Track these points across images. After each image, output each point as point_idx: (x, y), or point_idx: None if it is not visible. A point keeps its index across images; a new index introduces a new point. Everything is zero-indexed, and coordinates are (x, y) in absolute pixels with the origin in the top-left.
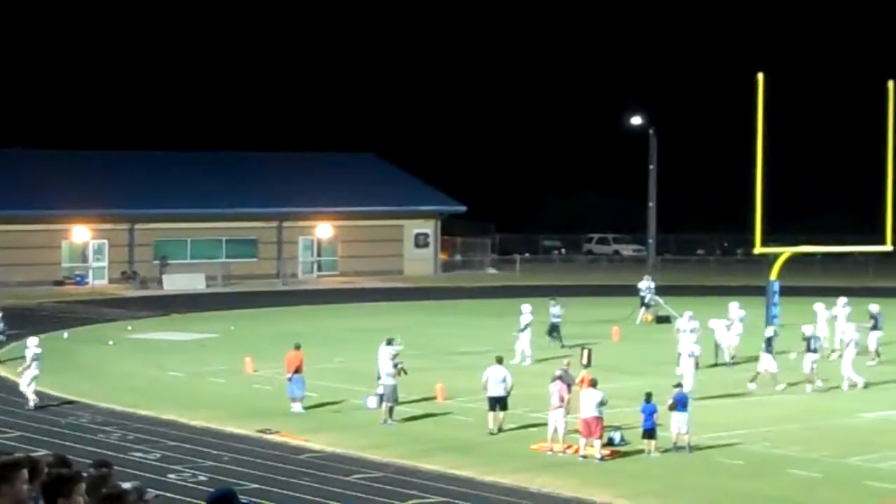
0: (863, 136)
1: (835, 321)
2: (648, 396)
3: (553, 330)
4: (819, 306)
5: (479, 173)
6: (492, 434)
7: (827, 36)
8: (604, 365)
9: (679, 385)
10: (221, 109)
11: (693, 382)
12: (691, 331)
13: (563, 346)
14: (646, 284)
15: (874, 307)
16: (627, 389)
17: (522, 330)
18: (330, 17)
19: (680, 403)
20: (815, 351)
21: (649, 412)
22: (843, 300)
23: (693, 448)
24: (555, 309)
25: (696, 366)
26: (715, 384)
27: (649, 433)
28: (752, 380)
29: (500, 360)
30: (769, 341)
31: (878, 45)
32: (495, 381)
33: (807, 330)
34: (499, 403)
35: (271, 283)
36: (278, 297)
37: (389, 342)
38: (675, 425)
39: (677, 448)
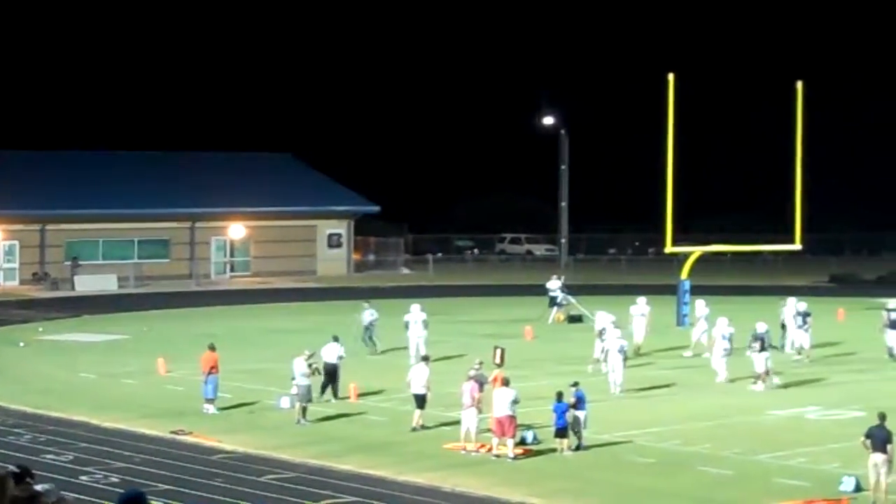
0: (772, 135)
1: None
2: (560, 395)
3: (366, 333)
4: (790, 306)
5: (393, 174)
6: (414, 430)
7: (737, 36)
8: (517, 364)
9: (576, 384)
10: (133, 109)
11: (623, 377)
12: (615, 326)
13: (376, 352)
14: (555, 284)
15: (801, 305)
16: (540, 389)
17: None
18: (244, 17)
19: (579, 401)
20: (765, 349)
21: (561, 411)
22: (791, 300)
23: (583, 446)
24: (367, 313)
25: (625, 360)
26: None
27: (561, 432)
28: (754, 382)
29: (425, 359)
30: (755, 339)
31: (787, 45)
32: (416, 379)
33: (760, 328)
34: (419, 401)
35: (184, 284)
36: (191, 298)
37: (336, 339)
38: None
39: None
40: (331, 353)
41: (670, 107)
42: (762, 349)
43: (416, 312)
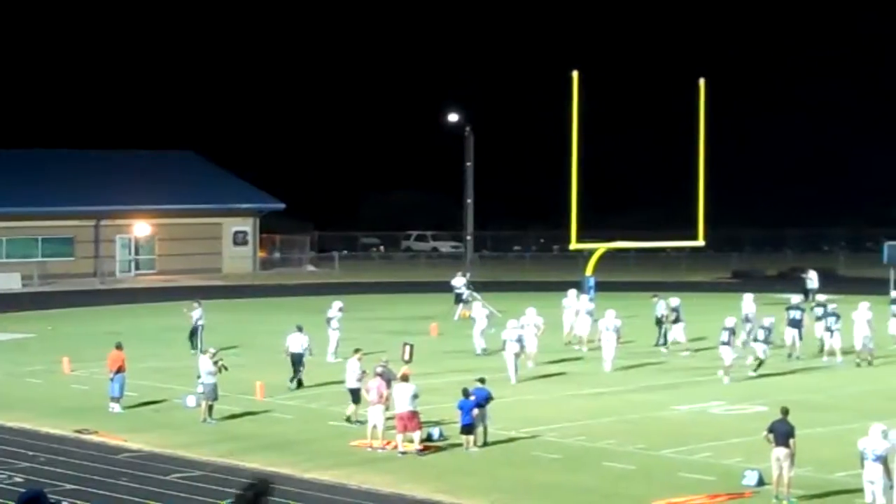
0: (675, 133)
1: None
2: (466, 392)
3: (193, 334)
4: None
5: (299, 171)
6: (349, 421)
7: (640, 33)
8: (423, 361)
9: (482, 380)
10: (36, 107)
11: (517, 366)
12: (522, 326)
13: (199, 352)
14: (461, 281)
15: (674, 300)
16: (447, 385)
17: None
18: (144, 15)
19: (482, 397)
20: (728, 344)
21: (467, 408)
22: (749, 296)
23: (485, 444)
24: (196, 312)
25: (518, 355)
26: (531, 380)
27: (467, 428)
28: (754, 369)
29: (356, 351)
30: (730, 333)
31: (691, 43)
32: (350, 374)
33: (728, 322)
34: (353, 395)
35: (89, 282)
36: (96, 297)
37: (300, 329)
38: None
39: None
40: (296, 342)
41: (575, 103)
42: (725, 343)
43: (335, 309)
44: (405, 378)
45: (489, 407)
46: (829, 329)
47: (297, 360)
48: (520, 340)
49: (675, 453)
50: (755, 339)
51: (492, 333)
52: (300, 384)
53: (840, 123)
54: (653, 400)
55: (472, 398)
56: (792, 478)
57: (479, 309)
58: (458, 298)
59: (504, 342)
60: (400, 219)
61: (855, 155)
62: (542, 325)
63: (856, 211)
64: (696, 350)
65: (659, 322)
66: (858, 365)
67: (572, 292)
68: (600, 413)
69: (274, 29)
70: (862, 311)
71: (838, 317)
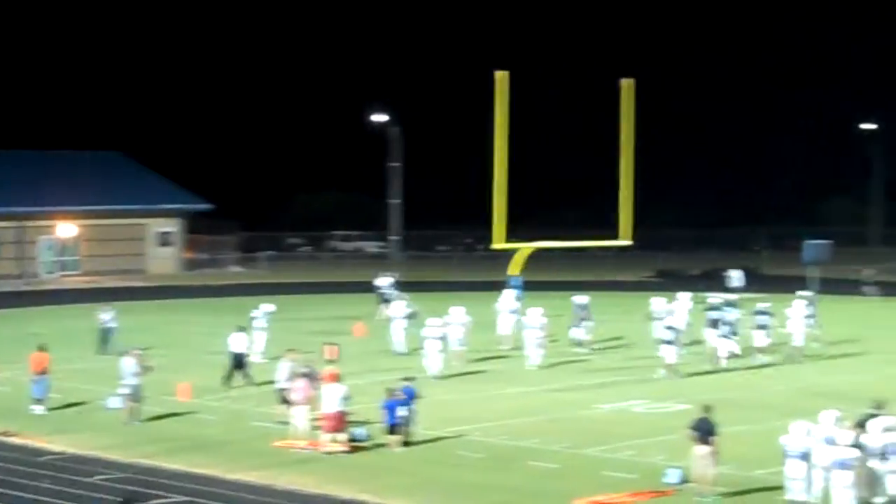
0: (602, 132)
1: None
2: (390, 392)
3: (104, 337)
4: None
5: (225, 172)
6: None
7: (567, 33)
8: (347, 361)
9: (409, 378)
10: None
11: (441, 365)
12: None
13: (106, 355)
14: (386, 281)
15: (582, 299)
16: (371, 385)
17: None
18: (72, 14)
19: (409, 398)
20: (672, 342)
21: (392, 407)
22: (686, 295)
23: (410, 443)
24: (106, 315)
25: (443, 350)
26: (455, 379)
27: (392, 428)
28: (727, 357)
29: (290, 351)
30: (671, 330)
31: (613, 44)
32: (282, 374)
33: (671, 321)
34: (282, 395)
35: (13, 284)
36: (20, 298)
37: (242, 329)
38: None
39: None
40: (238, 342)
41: (499, 104)
42: (668, 341)
43: (262, 311)
44: (335, 378)
45: (415, 407)
46: (761, 327)
47: (238, 360)
48: (442, 338)
49: (599, 452)
50: (722, 335)
51: (413, 333)
52: (248, 378)
53: (764, 126)
54: (576, 399)
55: (403, 396)
56: (714, 475)
57: (399, 308)
58: (383, 299)
59: (424, 340)
60: (326, 219)
61: (779, 156)
62: (468, 324)
63: (779, 211)
64: (607, 348)
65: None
66: (798, 362)
67: (508, 292)
68: (524, 412)
69: (200, 29)
70: (797, 308)
71: (771, 315)
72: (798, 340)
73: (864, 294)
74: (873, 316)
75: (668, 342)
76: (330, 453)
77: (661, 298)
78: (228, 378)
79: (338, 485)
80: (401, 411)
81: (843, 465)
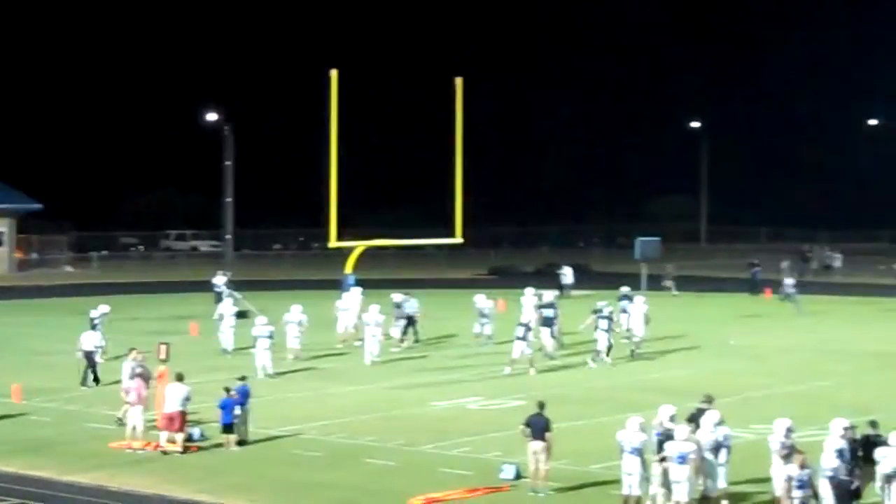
0: (434, 130)
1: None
2: (227, 391)
3: None
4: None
5: (56, 171)
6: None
7: (399, 32)
8: (182, 360)
9: (243, 378)
10: None
11: (271, 363)
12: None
13: None
14: (221, 280)
15: (398, 296)
16: (206, 384)
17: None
18: None
19: (244, 397)
20: (524, 339)
21: (229, 407)
22: (530, 291)
23: (246, 442)
24: None
25: (269, 349)
26: (292, 377)
27: (228, 428)
28: (593, 359)
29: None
30: (525, 329)
31: (447, 43)
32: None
33: (525, 317)
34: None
35: None
36: None
37: (93, 327)
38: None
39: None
40: (89, 340)
41: (333, 102)
42: (520, 338)
43: (100, 312)
44: (177, 378)
45: (249, 405)
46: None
47: (89, 359)
48: (270, 337)
49: (435, 449)
50: (598, 328)
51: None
52: (97, 380)
53: (593, 124)
54: (412, 396)
55: (235, 396)
56: (548, 471)
57: (228, 306)
58: (219, 297)
59: (255, 339)
60: (159, 218)
61: (608, 153)
62: (305, 322)
63: (609, 208)
64: (441, 346)
65: (410, 319)
66: (648, 359)
67: (356, 290)
68: (361, 410)
69: (27, 26)
70: (638, 304)
71: (610, 314)
72: (638, 336)
73: (666, 288)
74: (695, 311)
75: (520, 338)
76: (167, 453)
77: (482, 295)
78: (85, 378)
79: (174, 485)
80: (236, 410)
81: (679, 460)
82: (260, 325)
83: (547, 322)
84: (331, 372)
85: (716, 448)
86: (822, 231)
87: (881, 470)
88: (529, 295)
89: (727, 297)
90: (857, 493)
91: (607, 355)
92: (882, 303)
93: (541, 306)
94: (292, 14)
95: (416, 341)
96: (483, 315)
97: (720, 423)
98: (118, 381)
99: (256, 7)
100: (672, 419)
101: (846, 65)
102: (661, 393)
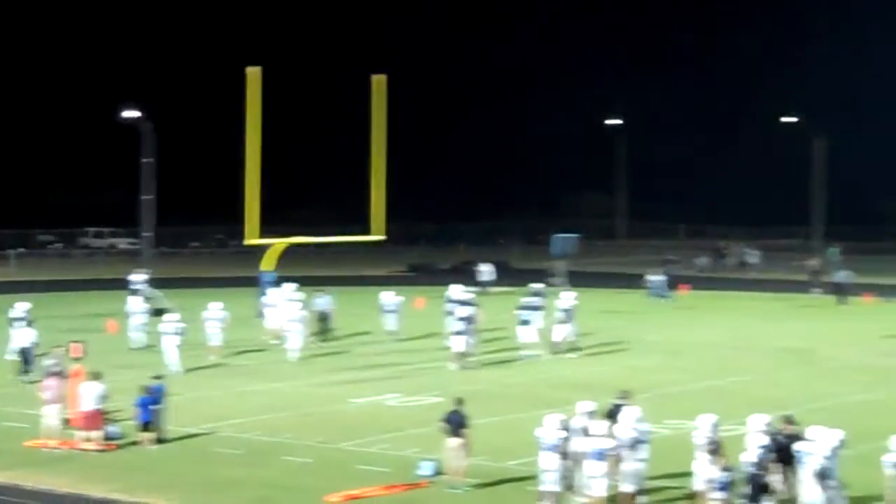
0: (354, 128)
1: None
2: (144, 389)
3: None
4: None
5: None
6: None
7: (318, 29)
8: (100, 357)
9: (159, 377)
10: None
11: (178, 360)
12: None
13: None
14: (139, 277)
15: (320, 299)
16: (123, 382)
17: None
18: None
19: (160, 395)
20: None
21: (146, 405)
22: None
23: (164, 441)
24: None
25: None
26: (210, 374)
27: (145, 426)
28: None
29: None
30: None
31: (365, 41)
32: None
33: (461, 312)
34: None
35: None
36: None
37: (29, 324)
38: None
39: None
40: (24, 337)
41: (251, 99)
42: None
43: (20, 310)
44: (93, 377)
45: (166, 404)
46: (524, 322)
47: (26, 355)
48: (179, 333)
49: (353, 446)
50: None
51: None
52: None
53: (512, 121)
54: (330, 393)
55: (151, 395)
56: (466, 467)
57: (138, 303)
58: (136, 294)
59: (161, 335)
60: (77, 215)
61: (528, 151)
62: (227, 319)
63: (529, 205)
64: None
65: (323, 316)
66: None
67: (288, 286)
68: (279, 407)
69: None
70: (566, 300)
71: (537, 309)
72: (557, 334)
73: (552, 284)
74: (611, 306)
75: (460, 332)
76: (83, 451)
77: (389, 292)
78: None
79: (91, 483)
80: (153, 408)
81: (598, 456)
82: (167, 322)
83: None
84: (249, 369)
85: (634, 444)
86: (739, 228)
87: (810, 468)
88: (459, 291)
89: (644, 293)
90: (766, 488)
91: (536, 350)
92: (797, 299)
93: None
94: (211, 11)
95: (324, 340)
96: (387, 311)
97: (641, 418)
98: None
99: (176, 3)
100: (591, 415)
101: (761, 62)
102: (577, 389)
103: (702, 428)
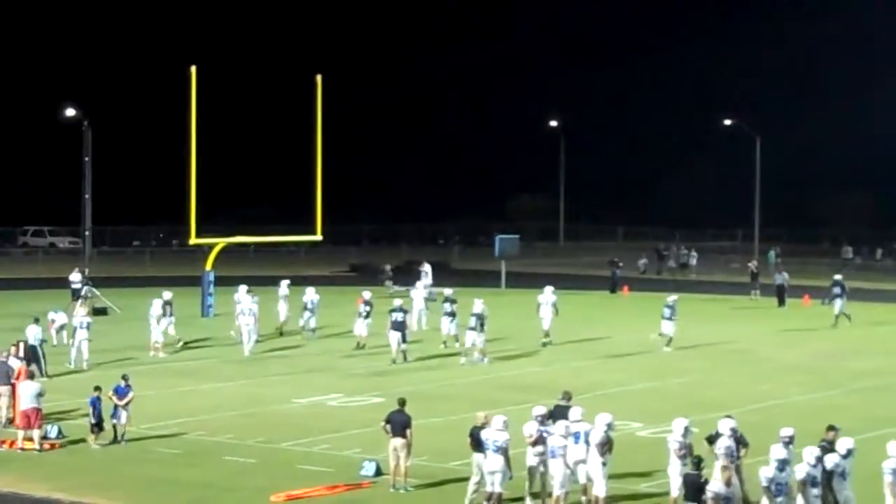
0: (294, 128)
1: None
2: (97, 388)
3: None
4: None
5: None
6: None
7: (257, 29)
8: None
9: (124, 377)
10: None
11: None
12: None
13: None
14: (78, 277)
15: (289, 296)
16: (70, 381)
17: None
18: None
19: (118, 394)
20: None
21: (95, 404)
22: (421, 284)
23: (126, 440)
24: None
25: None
26: (150, 375)
27: (97, 426)
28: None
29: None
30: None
31: (308, 40)
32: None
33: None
34: None
35: None
36: None
37: (36, 320)
38: (119, 416)
39: (116, 440)
40: (32, 334)
41: (192, 99)
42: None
43: None
44: (30, 376)
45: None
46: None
47: (34, 352)
48: (86, 327)
49: (295, 446)
50: (470, 328)
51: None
52: (42, 373)
53: (455, 122)
54: (273, 393)
55: (111, 394)
56: (409, 467)
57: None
58: (76, 294)
59: (74, 329)
60: (16, 214)
61: (469, 151)
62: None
63: (470, 206)
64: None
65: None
66: (545, 345)
67: (243, 288)
68: (221, 407)
69: None
70: (547, 294)
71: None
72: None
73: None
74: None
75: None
76: (24, 450)
77: (311, 288)
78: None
79: (31, 483)
80: (120, 406)
81: (551, 454)
82: (79, 316)
83: (397, 326)
84: (190, 369)
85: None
86: (678, 229)
87: (795, 476)
88: (421, 288)
89: (586, 295)
90: (703, 489)
91: (476, 354)
92: (735, 300)
93: (392, 310)
94: (151, 10)
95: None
96: (307, 308)
97: (582, 418)
98: None
99: (117, 3)
100: (543, 419)
101: (703, 65)
102: (519, 390)
103: (675, 431)
